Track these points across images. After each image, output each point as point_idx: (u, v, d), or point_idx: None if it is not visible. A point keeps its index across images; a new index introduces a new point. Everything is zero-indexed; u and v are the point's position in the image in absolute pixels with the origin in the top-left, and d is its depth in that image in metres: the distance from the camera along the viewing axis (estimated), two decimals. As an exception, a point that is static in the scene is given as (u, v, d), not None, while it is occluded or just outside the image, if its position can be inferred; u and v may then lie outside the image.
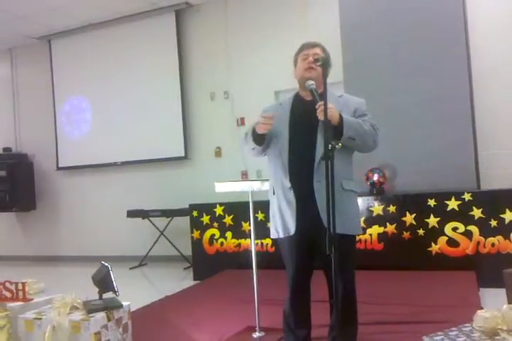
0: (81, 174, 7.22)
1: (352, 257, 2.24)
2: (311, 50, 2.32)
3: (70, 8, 6.29)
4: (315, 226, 2.17)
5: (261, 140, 2.30)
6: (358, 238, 4.34)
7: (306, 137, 2.23)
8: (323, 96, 2.23)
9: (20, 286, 2.70)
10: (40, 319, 2.37)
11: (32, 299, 2.74)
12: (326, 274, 2.26)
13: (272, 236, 2.37)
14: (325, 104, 1.95)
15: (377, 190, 4.65)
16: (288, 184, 2.24)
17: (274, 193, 2.35)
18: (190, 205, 5.25)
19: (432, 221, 4.23)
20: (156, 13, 6.52)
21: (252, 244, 2.95)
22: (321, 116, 2.05)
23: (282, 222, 2.29)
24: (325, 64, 2.02)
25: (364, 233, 4.42)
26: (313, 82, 2.20)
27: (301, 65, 2.33)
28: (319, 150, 2.16)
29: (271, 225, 2.38)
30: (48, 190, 7.51)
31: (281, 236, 2.30)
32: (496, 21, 4.87)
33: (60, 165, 7.33)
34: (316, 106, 2.08)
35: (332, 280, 2.21)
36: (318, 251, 2.23)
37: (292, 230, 2.23)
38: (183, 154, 6.44)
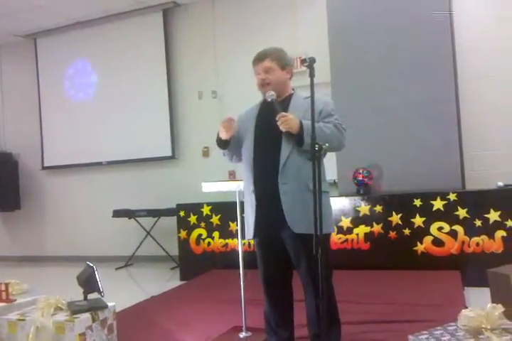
0: (66, 174, 7.15)
1: (326, 256, 2.24)
2: (260, 64, 2.33)
3: (56, 6, 6.23)
4: (280, 230, 2.21)
5: (225, 145, 2.37)
6: (344, 238, 4.44)
7: (270, 141, 2.26)
8: (283, 105, 2.28)
9: (3, 287, 2.66)
10: (24, 320, 2.34)
11: (15, 300, 2.70)
12: (299, 274, 2.28)
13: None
14: (312, 109, 1.96)
15: (363, 190, 4.68)
16: (251, 187, 2.28)
17: (243, 196, 2.42)
18: (177, 205, 5.23)
19: (418, 221, 4.27)
20: (143, 12, 6.48)
21: (239, 243, 2.94)
22: (281, 128, 2.14)
23: (247, 225, 2.36)
24: (312, 64, 2.02)
25: (351, 232, 4.45)
26: (272, 93, 2.26)
27: (256, 81, 2.36)
28: (284, 153, 2.20)
29: None
30: (32, 189, 7.43)
31: (246, 238, 2.38)
32: (482, 24, 4.93)
33: (45, 165, 7.26)
34: (276, 118, 2.14)
35: (304, 280, 2.25)
36: (287, 252, 2.26)
37: (251, 233, 2.30)
38: (170, 154, 6.42)
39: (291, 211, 2.16)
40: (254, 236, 2.30)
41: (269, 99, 2.25)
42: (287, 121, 2.13)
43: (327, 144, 1.95)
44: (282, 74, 2.34)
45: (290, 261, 2.30)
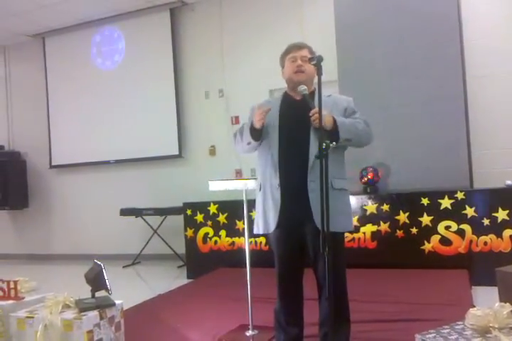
0: (74, 172, 7.19)
1: (342, 254, 2.24)
2: (299, 52, 2.32)
3: (63, 6, 6.26)
4: (303, 225, 2.20)
5: (257, 135, 2.29)
6: (351, 236, 4.43)
7: (298, 137, 2.23)
8: (313, 98, 2.24)
9: (12, 285, 2.68)
10: (32, 317, 2.36)
11: (24, 297, 2.72)
12: (315, 272, 2.27)
13: (254, 232, 2.40)
14: (320, 107, 1.95)
15: (371, 189, 4.67)
16: (277, 182, 2.24)
17: (260, 189, 2.36)
18: (184, 204, 5.24)
19: (425, 219, 4.25)
20: (150, 11, 6.49)
21: (245, 242, 2.95)
22: (315, 124, 2.09)
23: (264, 219, 2.31)
24: (319, 62, 2.01)
25: (358, 231, 4.45)
26: (305, 87, 2.21)
27: (289, 68, 2.33)
28: (313, 150, 2.16)
29: (254, 220, 2.40)
30: (40, 188, 7.48)
31: (261, 232, 2.34)
32: (490, 21, 4.89)
33: (53, 164, 7.30)
34: (310, 114, 2.10)
35: (320, 277, 2.24)
36: (306, 249, 2.25)
37: (272, 227, 2.26)
38: (177, 152, 6.43)
39: (319, 209, 2.14)
40: (277, 227, 2.25)
41: (302, 93, 2.19)
42: (323, 117, 2.05)
43: (334, 143, 1.93)
44: (313, 69, 2.28)
45: (305, 259, 2.29)
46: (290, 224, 2.24)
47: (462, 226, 4.14)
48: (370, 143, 2.36)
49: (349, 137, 2.15)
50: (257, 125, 2.24)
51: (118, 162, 6.78)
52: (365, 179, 4.66)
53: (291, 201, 2.22)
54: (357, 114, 2.32)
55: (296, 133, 2.25)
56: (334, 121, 2.15)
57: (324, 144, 1.87)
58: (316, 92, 2.32)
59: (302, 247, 2.26)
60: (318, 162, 2.11)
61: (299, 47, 2.33)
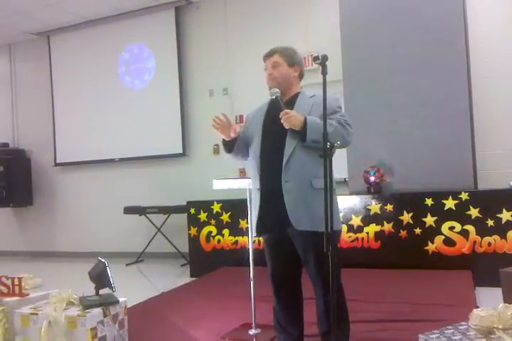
0: (78, 170, 7.21)
1: (334, 253, 2.21)
2: (269, 59, 2.37)
3: (68, 4, 6.27)
4: (285, 227, 2.20)
5: (228, 146, 2.39)
6: (355, 236, 4.43)
7: (276, 139, 2.25)
8: (290, 103, 2.29)
9: (16, 281, 2.70)
10: (36, 314, 2.37)
11: (28, 294, 2.74)
12: (308, 272, 2.27)
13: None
14: (324, 106, 1.93)
15: (374, 189, 4.66)
16: (257, 185, 2.29)
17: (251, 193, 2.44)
18: (187, 202, 5.25)
19: (429, 220, 4.24)
20: (155, 9, 6.50)
21: (249, 241, 2.95)
22: (285, 125, 2.15)
23: (253, 222, 2.35)
24: (324, 62, 2.00)
25: (361, 231, 4.44)
26: (277, 90, 2.27)
27: (265, 76, 2.40)
28: (287, 152, 2.20)
29: None
30: (45, 185, 7.50)
31: (255, 235, 2.36)
32: (496, 21, 4.88)
33: (57, 161, 7.32)
34: (280, 116, 2.15)
35: (312, 277, 2.24)
36: (296, 250, 2.25)
37: (254, 231, 2.31)
38: (181, 151, 6.44)
39: (295, 209, 2.15)
40: (258, 234, 2.31)
41: (273, 96, 2.26)
42: (290, 118, 2.13)
43: (339, 142, 1.94)
44: (289, 70, 2.34)
45: (299, 259, 2.28)
46: (273, 226, 2.25)
47: (466, 226, 4.13)
48: (347, 144, 2.26)
49: (317, 138, 2.08)
50: (225, 137, 2.35)
51: (122, 160, 6.79)
52: (369, 179, 4.65)
53: (269, 203, 2.24)
54: (338, 113, 2.25)
55: (274, 135, 2.27)
56: (305, 122, 2.14)
57: (329, 144, 1.86)
58: (300, 95, 2.36)
59: (293, 249, 2.26)
60: (293, 162, 2.18)
61: (268, 55, 2.38)
